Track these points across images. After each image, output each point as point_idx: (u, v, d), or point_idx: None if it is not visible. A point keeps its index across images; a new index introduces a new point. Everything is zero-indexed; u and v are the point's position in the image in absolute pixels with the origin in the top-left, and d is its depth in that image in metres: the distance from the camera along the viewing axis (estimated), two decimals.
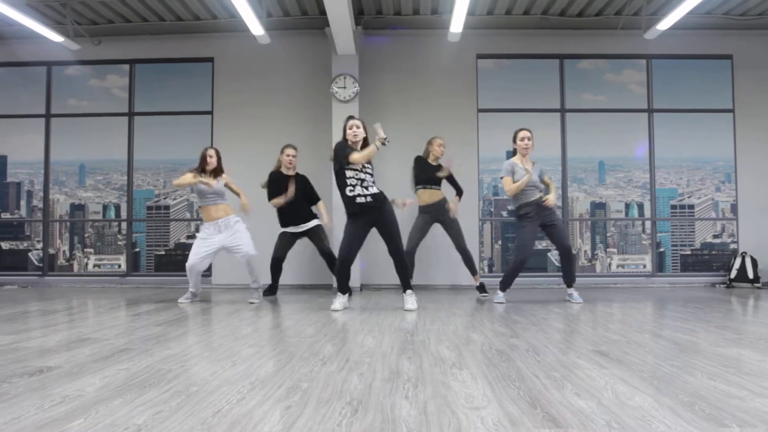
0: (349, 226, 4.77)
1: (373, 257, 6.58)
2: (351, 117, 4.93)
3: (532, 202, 5.19)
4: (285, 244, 5.84)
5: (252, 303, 5.34)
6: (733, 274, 6.97)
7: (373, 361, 2.75)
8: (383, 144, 4.45)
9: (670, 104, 7.31)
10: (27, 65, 7.57)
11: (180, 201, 7.42)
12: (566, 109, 7.31)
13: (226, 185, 5.44)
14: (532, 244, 5.34)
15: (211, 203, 5.34)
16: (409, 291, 4.92)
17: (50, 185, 7.56)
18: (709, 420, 1.83)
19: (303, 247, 6.75)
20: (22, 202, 7.59)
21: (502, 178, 5.31)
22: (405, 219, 6.12)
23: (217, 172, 5.42)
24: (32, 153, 7.56)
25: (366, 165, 4.75)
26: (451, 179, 5.91)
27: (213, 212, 5.33)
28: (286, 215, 5.80)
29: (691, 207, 7.29)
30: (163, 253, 7.40)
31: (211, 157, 5.38)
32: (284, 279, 6.14)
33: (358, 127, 4.78)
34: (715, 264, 7.22)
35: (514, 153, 5.41)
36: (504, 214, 7.24)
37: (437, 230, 5.92)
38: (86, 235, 7.50)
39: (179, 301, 5.42)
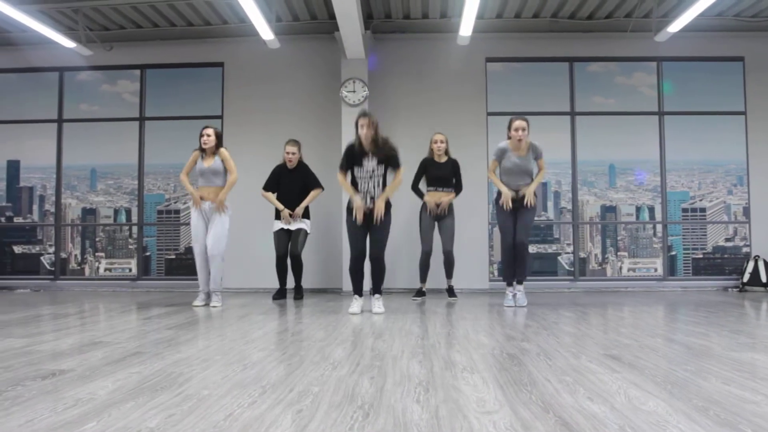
0: (348, 224, 4.83)
1: None
2: (362, 114, 4.80)
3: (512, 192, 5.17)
4: (282, 240, 5.92)
5: (214, 307, 5.29)
6: (746, 277, 6.91)
7: (383, 364, 2.74)
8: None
9: (681, 107, 7.26)
10: (39, 71, 7.65)
11: (190, 205, 7.45)
12: (576, 112, 7.29)
13: (222, 161, 5.35)
14: (510, 226, 5.19)
15: (205, 184, 5.34)
16: (378, 295, 4.94)
17: (62, 190, 7.63)
18: (724, 425, 1.81)
19: (311, 252, 6.78)
20: (35, 207, 7.65)
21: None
22: (408, 222, 6.12)
23: (218, 149, 5.36)
24: (44, 158, 7.63)
25: (377, 171, 4.73)
26: (456, 174, 5.90)
27: (204, 193, 5.33)
28: (281, 202, 5.94)
29: (703, 210, 7.24)
30: (173, 257, 7.44)
31: (209, 136, 5.33)
32: (294, 282, 6.13)
33: (368, 127, 4.69)
34: (728, 268, 7.15)
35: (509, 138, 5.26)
36: None
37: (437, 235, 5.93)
38: (97, 239, 7.56)
39: (193, 304, 5.40)
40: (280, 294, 6.00)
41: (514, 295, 5.30)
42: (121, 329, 3.96)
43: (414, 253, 6.23)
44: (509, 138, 5.21)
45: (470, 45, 6.78)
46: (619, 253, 7.21)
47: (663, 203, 7.24)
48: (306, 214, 5.99)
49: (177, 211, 7.50)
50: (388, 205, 4.82)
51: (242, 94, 7.42)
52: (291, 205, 5.91)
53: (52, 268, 7.55)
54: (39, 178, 7.67)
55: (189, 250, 7.36)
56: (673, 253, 7.20)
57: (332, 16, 6.55)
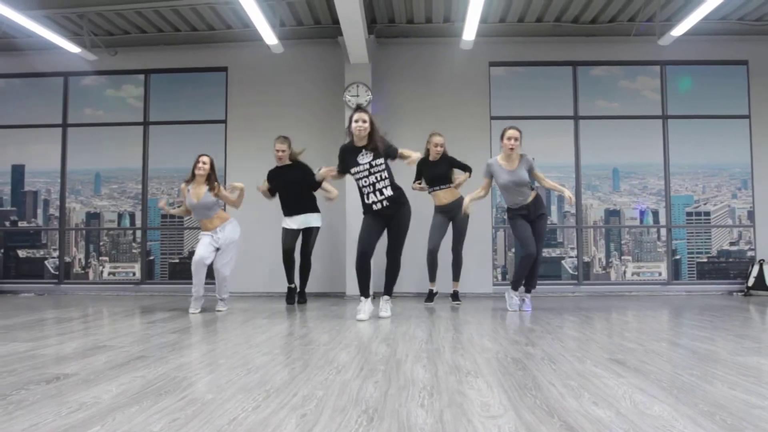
0: (366, 220, 4.65)
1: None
2: (357, 109, 4.66)
3: (517, 208, 5.12)
4: (291, 236, 5.85)
5: (219, 311, 5.31)
6: (751, 282, 6.88)
7: (387, 369, 2.74)
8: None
9: (685, 110, 7.25)
10: (44, 76, 7.69)
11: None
12: (580, 116, 7.28)
13: (216, 195, 5.23)
14: (531, 235, 5.10)
15: (201, 218, 5.29)
16: (386, 297, 4.82)
17: (66, 194, 7.65)
18: (731, 430, 1.80)
19: (315, 255, 6.77)
20: (39, 211, 7.68)
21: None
22: (421, 219, 6.10)
23: (210, 182, 5.22)
24: (49, 162, 7.66)
25: (375, 164, 4.53)
26: (455, 164, 5.89)
27: (208, 224, 5.28)
28: (286, 201, 5.86)
29: (707, 214, 7.22)
30: (177, 261, 7.45)
31: (204, 163, 5.21)
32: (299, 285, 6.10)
33: (364, 121, 4.50)
34: (732, 272, 7.12)
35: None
36: None
37: (448, 235, 5.90)
38: (101, 243, 7.57)
39: (191, 312, 5.22)
40: (291, 296, 5.99)
41: (523, 300, 5.27)
42: (124, 333, 3.96)
43: (419, 257, 6.23)
44: (502, 147, 5.15)
45: (473, 49, 6.79)
46: (623, 258, 7.19)
47: (667, 207, 7.22)
48: (315, 208, 5.92)
49: (181, 216, 7.50)
50: (407, 208, 4.68)
51: (246, 98, 7.44)
52: (295, 203, 5.81)
53: (56, 272, 7.57)
54: (43, 182, 7.70)
55: (193, 254, 7.36)
56: (678, 257, 7.18)
57: (336, 20, 6.56)
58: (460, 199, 5.72)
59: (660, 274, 7.16)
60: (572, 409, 2.03)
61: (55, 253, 7.60)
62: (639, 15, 6.76)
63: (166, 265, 7.45)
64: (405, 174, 6.42)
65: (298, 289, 6.06)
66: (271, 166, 6.01)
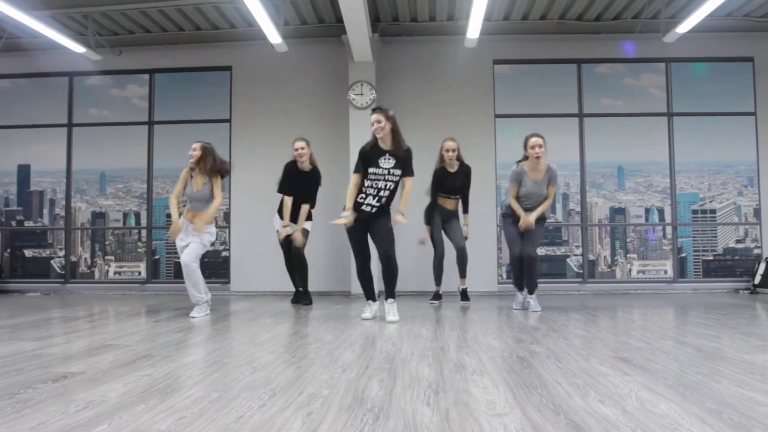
0: (349, 230, 4.55)
1: None
2: (375, 109, 4.49)
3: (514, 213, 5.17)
4: (286, 241, 5.67)
5: (192, 318, 4.82)
6: (757, 279, 6.85)
7: (393, 367, 2.74)
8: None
9: (691, 108, 7.22)
10: (49, 76, 7.71)
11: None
12: (584, 113, 7.26)
13: (212, 186, 5.01)
14: (516, 238, 5.17)
15: (194, 209, 5.02)
16: (391, 300, 4.62)
17: (72, 193, 7.68)
18: (738, 428, 1.80)
19: (319, 254, 6.79)
20: (45, 211, 7.71)
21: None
22: (418, 225, 6.10)
23: (210, 173, 4.97)
24: (54, 162, 7.69)
25: (393, 173, 4.43)
26: (466, 185, 5.80)
27: (191, 216, 5.01)
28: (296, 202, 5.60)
29: (713, 211, 7.19)
30: None
31: (194, 150, 4.97)
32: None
33: (379, 122, 4.37)
34: (739, 269, 7.09)
35: (525, 158, 5.15)
36: None
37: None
38: (107, 242, 7.60)
39: (191, 316, 4.90)
40: (296, 296, 5.92)
41: (525, 300, 5.29)
42: (130, 332, 3.98)
43: (423, 255, 6.22)
44: (525, 157, 5.10)
45: (477, 47, 6.77)
46: (628, 256, 7.17)
47: (672, 205, 7.20)
48: (308, 216, 5.70)
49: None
50: (388, 214, 4.58)
51: (250, 97, 7.45)
52: (297, 211, 5.58)
53: (62, 272, 7.59)
54: (49, 182, 7.72)
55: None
56: (683, 255, 7.15)
57: (339, 19, 6.56)
58: (455, 211, 5.81)
59: (666, 272, 7.13)
60: (578, 408, 2.03)
61: (61, 253, 7.62)
62: (644, 12, 6.73)
63: (171, 265, 7.47)
64: (420, 180, 6.23)
65: (301, 288, 5.89)
66: (277, 164, 5.78)
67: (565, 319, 4.53)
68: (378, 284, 5.15)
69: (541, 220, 5.17)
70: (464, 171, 5.77)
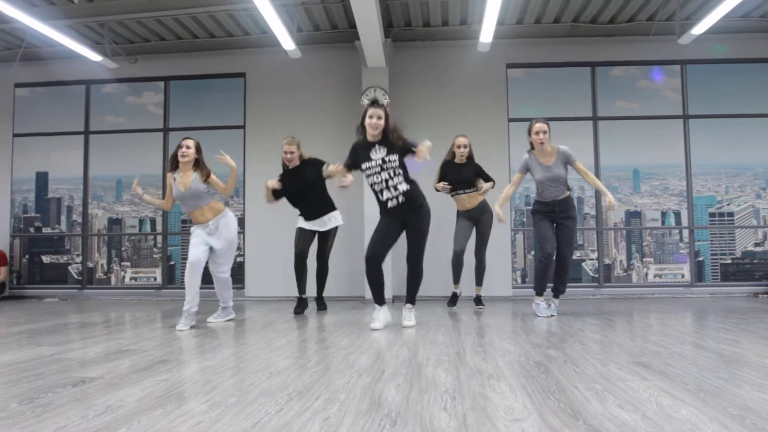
0: (381, 221, 4.31)
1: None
2: (372, 103, 4.31)
3: (545, 202, 4.93)
4: (306, 238, 5.40)
5: (231, 319, 4.86)
6: None
7: (409, 372, 2.73)
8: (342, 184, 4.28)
9: (707, 110, 7.15)
10: (67, 84, 7.82)
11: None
12: (599, 117, 7.22)
13: (207, 182, 4.59)
14: (550, 235, 4.92)
15: (190, 210, 4.63)
16: (409, 305, 4.48)
17: (89, 200, 7.76)
18: None
19: (332, 258, 6.78)
20: (63, 217, 7.80)
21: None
22: (443, 222, 6.08)
23: (201, 169, 4.59)
24: (72, 169, 7.79)
25: (388, 159, 4.20)
26: (481, 173, 5.67)
27: (200, 217, 4.61)
28: (301, 205, 5.43)
29: (731, 214, 7.10)
30: None
31: (188, 147, 4.56)
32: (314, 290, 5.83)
33: (379, 118, 4.20)
34: (758, 273, 6.99)
35: (532, 146, 4.99)
36: None
37: (472, 239, 5.81)
38: (123, 248, 7.67)
39: (178, 328, 4.46)
40: (301, 305, 5.47)
41: (549, 305, 4.99)
42: (147, 337, 4.00)
43: (442, 259, 6.18)
44: (531, 144, 4.99)
45: (490, 51, 6.77)
46: (644, 260, 7.10)
47: (689, 208, 7.12)
48: (333, 206, 5.48)
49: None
50: (425, 210, 4.34)
51: (264, 103, 7.50)
52: (312, 205, 5.38)
53: (80, 278, 7.68)
54: (67, 189, 7.82)
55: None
56: (701, 258, 7.07)
57: (352, 25, 6.59)
58: (484, 203, 5.62)
59: (683, 276, 7.05)
60: (597, 413, 2.01)
61: (78, 259, 7.71)
62: (658, 14, 6.68)
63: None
64: (432, 185, 6.06)
65: (315, 296, 5.68)
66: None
67: (581, 324, 4.50)
68: (396, 289, 5.05)
69: (572, 219, 4.97)
70: (472, 163, 5.66)
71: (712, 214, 7.12)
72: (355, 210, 6.79)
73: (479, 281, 5.75)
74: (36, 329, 4.50)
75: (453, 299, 5.90)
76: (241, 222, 7.44)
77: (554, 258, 4.95)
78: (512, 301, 6.64)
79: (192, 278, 4.51)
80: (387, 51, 6.75)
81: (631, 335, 3.99)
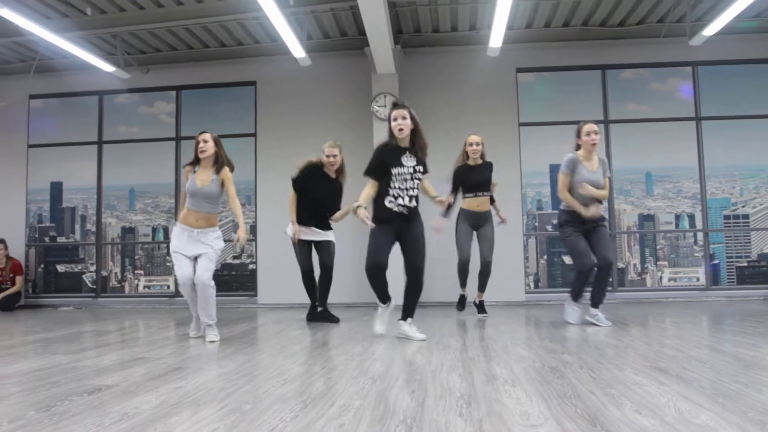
0: (375, 232, 4.07)
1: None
2: (396, 105, 4.12)
3: (573, 211, 4.62)
4: (306, 254, 5.30)
5: (212, 342, 4.14)
6: None
7: (423, 378, 2.72)
8: (355, 211, 4.00)
9: (719, 111, 7.08)
10: (80, 95, 7.91)
11: (226, 222, 7.55)
12: (610, 120, 7.18)
13: (222, 183, 4.26)
14: (586, 248, 4.62)
15: (193, 207, 4.24)
16: (410, 320, 4.16)
17: (102, 209, 7.83)
18: None
19: (343, 265, 6.77)
20: (77, 227, 7.87)
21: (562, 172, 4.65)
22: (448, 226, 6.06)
23: (218, 166, 4.27)
24: (86, 179, 7.87)
25: (418, 170, 4.06)
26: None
27: (193, 220, 4.23)
28: (314, 210, 5.25)
29: (746, 217, 7.02)
30: None
31: (205, 141, 4.23)
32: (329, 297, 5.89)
33: (404, 118, 4.02)
34: None
35: (577, 148, 4.73)
36: (548, 228, 7.11)
37: (475, 244, 5.74)
38: (136, 257, 7.72)
39: (190, 335, 4.47)
40: (312, 314, 5.45)
41: (589, 314, 4.75)
42: (161, 345, 4.02)
43: (445, 265, 6.16)
44: (578, 147, 4.71)
45: (500, 56, 6.76)
46: (658, 263, 7.04)
47: (703, 210, 7.05)
48: (328, 225, 5.34)
49: None
50: (420, 218, 4.19)
51: (275, 111, 7.54)
52: (317, 216, 5.23)
53: (94, 286, 7.73)
54: (80, 198, 7.89)
55: (225, 266, 7.46)
56: (716, 261, 6.99)
57: (362, 32, 6.61)
58: (490, 213, 5.52)
59: (698, 279, 6.98)
60: (615, 418, 1.99)
61: (92, 268, 7.77)
62: (669, 15, 6.65)
63: None
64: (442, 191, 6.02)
65: (319, 308, 5.44)
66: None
67: (595, 329, 4.46)
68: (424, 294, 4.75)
69: (605, 220, 4.74)
70: (488, 163, 5.52)
71: (726, 217, 7.05)
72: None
73: (482, 287, 5.59)
74: (51, 338, 4.54)
75: (461, 302, 5.78)
76: (253, 229, 7.47)
77: (597, 266, 4.65)
78: (525, 306, 6.60)
79: (189, 293, 4.25)
80: (396, 57, 6.76)
81: (647, 339, 3.95)
